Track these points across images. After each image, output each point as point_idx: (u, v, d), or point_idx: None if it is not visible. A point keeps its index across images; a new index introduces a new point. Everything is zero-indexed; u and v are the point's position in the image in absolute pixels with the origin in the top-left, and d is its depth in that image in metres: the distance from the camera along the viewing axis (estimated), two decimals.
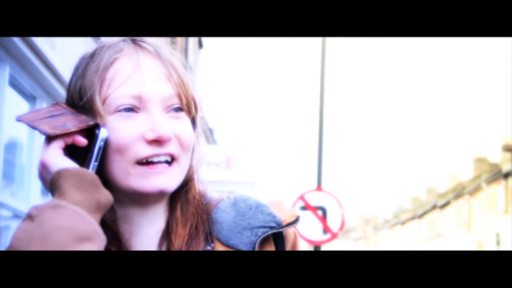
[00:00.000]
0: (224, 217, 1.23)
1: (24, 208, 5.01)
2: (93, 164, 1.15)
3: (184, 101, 1.20)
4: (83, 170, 1.13)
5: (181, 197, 1.24)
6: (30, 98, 5.25)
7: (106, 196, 1.13)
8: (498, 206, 35.97)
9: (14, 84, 4.83)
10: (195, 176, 1.27)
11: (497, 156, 39.82)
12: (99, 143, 1.14)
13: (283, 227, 1.23)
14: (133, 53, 1.19)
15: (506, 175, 34.88)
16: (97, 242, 1.08)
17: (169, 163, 1.18)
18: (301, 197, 9.08)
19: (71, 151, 1.16)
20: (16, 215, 5.04)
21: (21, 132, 5.22)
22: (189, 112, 1.22)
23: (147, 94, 1.16)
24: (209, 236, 1.23)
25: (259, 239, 1.20)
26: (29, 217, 1.08)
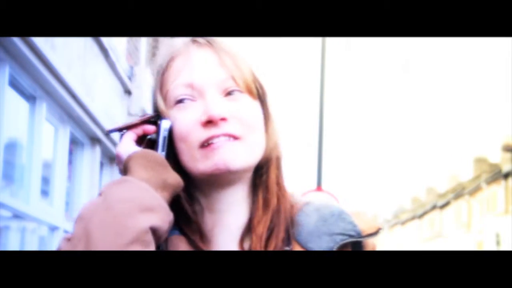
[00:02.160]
0: (306, 220, 1.24)
1: (24, 208, 5.01)
2: (160, 153, 1.22)
3: (241, 83, 1.23)
4: (152, 151, 1.19)
5: (259, 183, 1.25)
6: (30, 98, 5.25)
7: (174, 176, 1.17)
8: (498, 206, 35.99)
9: (14, 84, 4.82)
10: (273, 160, 1.27)
11: (497, 156, 39.84)
12: (162, 134, 1.23)
13: (363, 237, 1.23)
14: (185, 48, 1.26)
15: (506, 175, 34.90)
16: (161, 214, 1.12)
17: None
18: None
19: (142, 145, 1.25)
20: (16, 215, 5.04)
21: (21, 132, 5.22)
22: (251, 94, 1.24)
23: (198, 80, 1.22)
24: (290, 238, 1.24)
25: (337, 246, 1.21)
26: (99, 194, 1.14)
